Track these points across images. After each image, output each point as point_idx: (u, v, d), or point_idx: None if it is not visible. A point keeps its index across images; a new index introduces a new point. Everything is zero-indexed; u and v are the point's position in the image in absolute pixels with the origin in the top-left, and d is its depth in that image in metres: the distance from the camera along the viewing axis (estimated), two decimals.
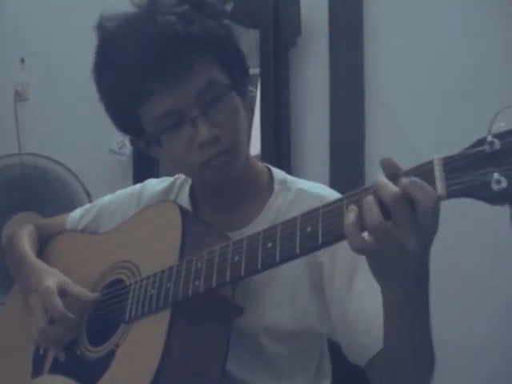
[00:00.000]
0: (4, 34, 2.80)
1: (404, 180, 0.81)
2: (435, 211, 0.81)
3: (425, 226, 0.81)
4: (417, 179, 0.81)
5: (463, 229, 2.09)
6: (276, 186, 1.22)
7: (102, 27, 1.16)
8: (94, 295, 1.21)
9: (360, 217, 0.84)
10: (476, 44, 2.19)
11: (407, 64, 2.27)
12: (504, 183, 0.72)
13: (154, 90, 1.09)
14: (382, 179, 0.83)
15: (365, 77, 2.32)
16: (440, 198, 0.78)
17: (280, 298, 1.15)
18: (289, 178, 1.25)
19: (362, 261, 0.90)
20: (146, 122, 1.14)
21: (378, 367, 1.06)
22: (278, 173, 1.26)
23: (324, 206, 0.90)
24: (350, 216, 0.85)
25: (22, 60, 2.77)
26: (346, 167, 2.31)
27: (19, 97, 2.78)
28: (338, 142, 2.34)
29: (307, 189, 1.21)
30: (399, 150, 2.28)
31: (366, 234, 0.85)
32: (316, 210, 0.91)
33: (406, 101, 2.27)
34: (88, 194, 2.52)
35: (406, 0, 2.30)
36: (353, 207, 0.85)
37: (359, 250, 0.85)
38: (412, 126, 2.25)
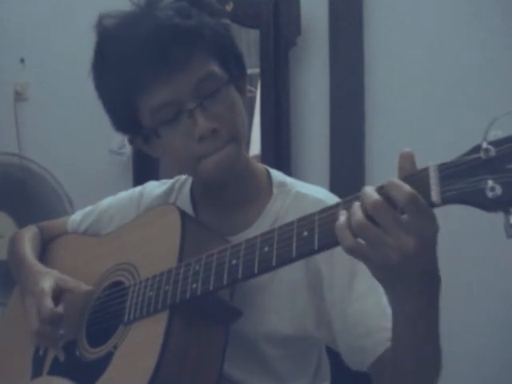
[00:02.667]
0: (4, 34, 2.80)
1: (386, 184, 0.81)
2: (418, 208, 0.79)
3: (414, 224, 0.80)
4: (393, 180, 0.80)
5: (468, 230, 2.08)
6: (275, 190, 1.22)
7: (100, 25, 1.16)
8: (88, 288, 1.22)
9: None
10: (478, 44, 2.18)
11: (407, 64, 2.27)
12: (498, 190, 0.72)
13: (152, 79, 1.09)
14: (366, 189, 0.83)
15: (365, 77, 2.31)
16: (435, 205, 0.78)
17: (279, 303, 1.15)
18: (288, 180, 1.25)
19: (361, 263, 0.88)
20: (144, 114, 1.13)
21: (381, 371, 1.04)
22: (276, 175, 1.25)
23: (320, 211, 0.90)
24: (341, 218, 0.85)
25: (22, 60, 2.77)
26: (346, 167, 2.30)
27: (19, 97, 2.77)
28: (337, 141, 2.34)
29: (306, 192, 1.21)
30: (399, 150, 2.28)
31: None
32: (312, 214, 0.91)
33: (406, 101, 2.27)
34: (71, 203, 2.51)
35: (406, 0, 2.30)
36: (344, 211, 0.85)
37: (350, 249, 0.84)
38: (412, 126, 2.25)
